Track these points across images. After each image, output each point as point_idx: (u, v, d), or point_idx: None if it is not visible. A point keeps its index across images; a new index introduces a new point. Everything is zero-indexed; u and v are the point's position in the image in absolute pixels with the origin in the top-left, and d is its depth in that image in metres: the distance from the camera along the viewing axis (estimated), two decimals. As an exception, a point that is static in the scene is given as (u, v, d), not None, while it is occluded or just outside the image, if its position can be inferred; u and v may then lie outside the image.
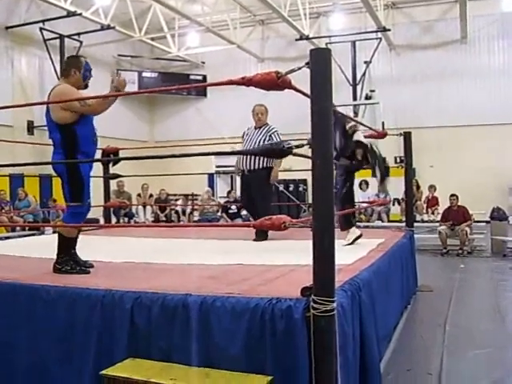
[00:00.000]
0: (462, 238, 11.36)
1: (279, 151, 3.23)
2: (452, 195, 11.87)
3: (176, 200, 18.37)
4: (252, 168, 6.92)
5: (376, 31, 17.62)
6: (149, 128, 21.94)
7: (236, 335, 3.10)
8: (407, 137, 7.68)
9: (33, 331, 3.69)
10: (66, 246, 4.49)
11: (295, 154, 3.40)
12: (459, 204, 11.83)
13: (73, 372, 3.51)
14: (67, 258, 4.47)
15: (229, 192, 16.87)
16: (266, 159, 6.86)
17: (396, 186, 13.40)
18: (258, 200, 6.96)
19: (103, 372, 3.11)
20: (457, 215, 11.63)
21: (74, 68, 4.64)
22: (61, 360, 3.56)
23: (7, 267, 4.81)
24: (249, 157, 6.91)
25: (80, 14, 15.40)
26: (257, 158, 6.82)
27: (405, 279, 6.41)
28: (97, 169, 8.63)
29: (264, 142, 6.84)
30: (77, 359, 3.51)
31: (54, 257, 4.51)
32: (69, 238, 4.51)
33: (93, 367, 3.38)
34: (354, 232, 6.07)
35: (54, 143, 4.53)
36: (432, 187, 14.76)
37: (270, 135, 6.92)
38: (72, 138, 4.42)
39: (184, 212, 16.90)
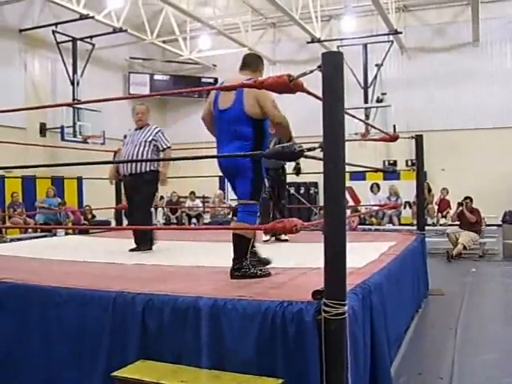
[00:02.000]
0: (451, 238, 11.36)
1: (290, 154, 3.23)
2: (466, 198, 11.79)
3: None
4: (135, 172, 6.27)
5: (388, 34, 17.60)
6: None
7: (247, 338, 3.10)
8: (419, 140, 7.66)
9: (44, 332, 3.71)
10: (247, 248, 4.28)
11: (307, 157, 3.40)
12: (473, 206, 11.76)
13: (84, 373, 3.52)
14: (249, 261, 4.27)
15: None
16: (150, 163, 6.37)
17: (407, 190, 13.45)
18: (138, 204, 6.36)
19: (114, 373, 3.12)
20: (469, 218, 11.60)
21: (262, 65, 4.62)
22: (72, 361, 3.58)
23: (19, 269, 4.84)
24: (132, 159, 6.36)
25: (92, 17, 15.48)
26: (138, 162, 6.33)
27: (416, 283, 6.39)
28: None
29: (147, 142, 6.30)
30: (88, 360, 3.52)
31: (66, 258, 4.53)
32: (249, 239, 4.28)
33: (104, 368, 3.39)
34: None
35: (234, 135, 4.34)
36: (444, 189, 14.70)
37: (156, 134, 6.40)
38: (261, 133, 4.36)
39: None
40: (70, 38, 16.57)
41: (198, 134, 21.32)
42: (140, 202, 6.37)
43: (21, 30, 15.84)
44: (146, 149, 6.31)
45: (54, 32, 16.03)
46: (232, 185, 4.58)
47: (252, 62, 4.59)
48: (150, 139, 6.35)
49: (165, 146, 6.43)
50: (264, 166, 6.33)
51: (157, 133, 6.43)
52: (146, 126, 6.50)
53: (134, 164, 6.27)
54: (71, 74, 16.72)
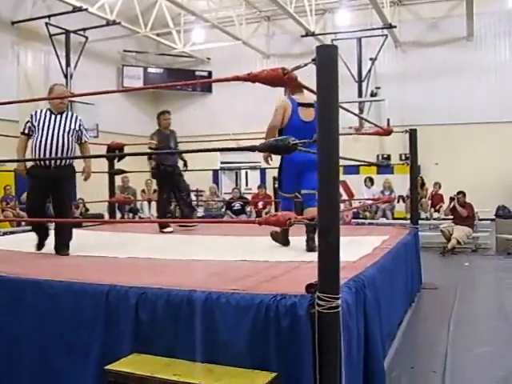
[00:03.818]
0: (445, 234, 11.40)
1: (285, 147, 3.22)
2: (459, 193, 11.82)
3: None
4: (60, 164, 5.51)
5: (382, 28, 17.56)
6: (154, 124, 21.79)
7: (240, 331, 3.10)
8: (412, 134, 7.67)
9: (37, 326, 3.70)
10: None
11: (301, 150, 3.39)
12: (466, 201, 11.79)
13: (77, 367, 3.51)
14: None
15: (233, 189, 16.92)
16: (73, 154, 5.65)
17: (401, 184, 13.46)
18: (66, 200, 5.76)
19: (107, 367, 3.12)
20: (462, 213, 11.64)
21: None
22: (65, 355, 3.57)
23: (12, 262, 4.84)
24: (57, 150, 5.47)
25: (86, 10, 15.40)
26: (64, 152, 5.51)
27: (409, 276, 6.41)
28: (102, 164, 8.74)
29: (74, 131, 5.60)
30: (81, 354, 3.52)
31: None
32: None
33: (97, 362, 3.39)
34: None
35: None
36: (436, 184, 14.71)
37: (81, 123, 5.72)
38: None
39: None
40: (63, 31, 16.46)
41: (191, 127, 21.40)
42: (66, 199, 5.73)
43: (13, 23, 15.72)
44: (73, 138, 5.61)
45: (47, 24, 15.93)
46: (301, 178, 5.56)
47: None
48: (76, 128, 5.64)
49: (87, 139, 5.82)
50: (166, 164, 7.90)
51: (80, 122, 5.73)
52: (66, 112, 5.69)
53: (59, 155, 5.49)
54: (64, 67, 16.63)
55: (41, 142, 5.46)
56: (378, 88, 18.77)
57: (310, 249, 5.27)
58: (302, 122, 5.45)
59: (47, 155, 5.44)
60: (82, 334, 3.54)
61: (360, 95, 18.60)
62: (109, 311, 3.48)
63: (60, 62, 16.47)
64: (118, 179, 11.03)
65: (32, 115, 5.61)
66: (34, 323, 3.72)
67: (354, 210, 14.43)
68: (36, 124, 5.53)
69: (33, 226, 5.82)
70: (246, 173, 20.60)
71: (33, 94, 15.79)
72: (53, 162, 5.47)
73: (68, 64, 16.69)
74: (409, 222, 8.01)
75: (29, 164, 5.69)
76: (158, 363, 3.14)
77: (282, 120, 5.50)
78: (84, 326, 3.54)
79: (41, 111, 5.62)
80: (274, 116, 5.54)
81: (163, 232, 7.76)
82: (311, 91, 3.21)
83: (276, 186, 19.43)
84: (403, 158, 16.88)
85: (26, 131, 5.61)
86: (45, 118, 5.54)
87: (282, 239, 5.72)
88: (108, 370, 3.10)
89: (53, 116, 5.57)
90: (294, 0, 16.73)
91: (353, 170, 15.59)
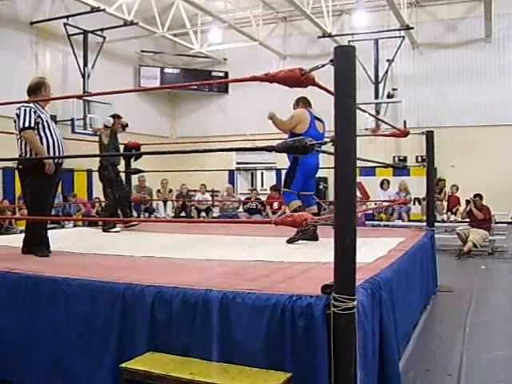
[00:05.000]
0: (461, 237, 11.32)
1: (302, 148, 3.22)
2: (475, 195, 11.74)
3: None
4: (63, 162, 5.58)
5: (399, 29, 17.47)
6: (170, 124, 21.99)
7: (256, 331, 3.11)
8: (429, 136, 7.62)
9: (54, 323, 3.73)
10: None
11: (318, 151, 3.39)
12: (482, 203, 11.71)
13: (93, 364, 3.54)
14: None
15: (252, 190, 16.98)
16: None
17: (417, 186, 13.39)
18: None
19: (123, 365, 3.14)
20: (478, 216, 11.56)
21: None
22: (81, 352, 3.60)
23: (29, 260, 4.87)
24: (61, 149, 5.36)
25: (103, 10, 15.48)
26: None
27: (425, 279, 6.38)
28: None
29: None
30: (97, 352, 3.54)
31: (76, 250, 4.53)
32: None
33: (113, 360, 3.41)
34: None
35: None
36: (453, 186, 14.62)
37: None
38: None
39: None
40: (81, 31, 16.58)
41: (207, 127, 21.44)
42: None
43: (32, 23, 15.86)
44: None
45: (65, 24, 16.05)
46: (309, 182, 6.12)
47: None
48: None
49: None
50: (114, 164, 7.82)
51: None
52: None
53: (63, 152, 5.37)
54: (82, 67, 16.75)
55: (53, 139, 5.28)
56: (394, 89, 18.69)
57: (289, 241, 5.91)
58: (318, 133, 5.83)
59: (61, 153, 5.30)
60: (98, 332, 3.57)
61: (376, 97, 18.52)
62: (125, 310, 3.50)
63: (78, 62, 16.59)
64: (134, 178, 11.09)
65: (35, 110, 5.23)
66: (50, 320, 3.75)
67: (369, 212, 14.39)
68: (43, 120, 5.25)
69: (45, 227, 5.51)
70: (262, 173, 20.61)
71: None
72: (62, 159, 5.38)
73: (85, 64, 16.80)
74: (425, 224, 7.97)
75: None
76: (173, 362, 3.16)
77: (295, 127, 5.83)
78: (100, 324, 3.57)
79: (36, 107, 5.26)
80: (290, 120, 5.90)
81: (109, 231, 7.69)
82: (329, 92, 3.20)
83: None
84: (419, 159, 16.77)
85: (36, 126, 5.20)
86: (44, 115, 5.30)
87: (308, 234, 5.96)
88: (123, 368, 3.12)
89: (46, 113, 5.40)
90: (311, 1, 16.70)
91: (369, 171, 15.53)
